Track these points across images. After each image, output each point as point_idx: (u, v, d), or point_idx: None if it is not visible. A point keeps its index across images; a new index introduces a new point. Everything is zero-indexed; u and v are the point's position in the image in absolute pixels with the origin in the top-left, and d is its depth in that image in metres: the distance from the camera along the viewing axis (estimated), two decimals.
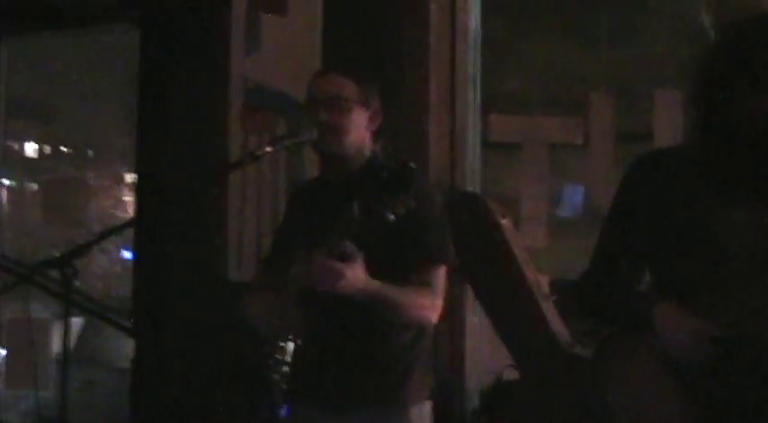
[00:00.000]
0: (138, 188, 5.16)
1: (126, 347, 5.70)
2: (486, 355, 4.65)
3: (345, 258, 2.82)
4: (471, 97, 4.67)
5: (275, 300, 3.07)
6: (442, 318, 3.63)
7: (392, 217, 2.76)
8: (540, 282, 4.50)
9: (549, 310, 4.44)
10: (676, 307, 2.57)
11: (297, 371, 3.07)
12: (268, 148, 3.07)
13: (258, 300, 3.20)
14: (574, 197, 5.65)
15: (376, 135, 3.23)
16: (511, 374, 4.47)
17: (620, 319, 2.70)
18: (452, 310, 4.47)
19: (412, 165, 2.82)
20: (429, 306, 3.03)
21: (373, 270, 2.88)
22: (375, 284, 2.88)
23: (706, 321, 2.53)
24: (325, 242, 2.82)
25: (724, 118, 2.55)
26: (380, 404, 3.08)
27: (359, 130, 3.15)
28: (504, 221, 4.46)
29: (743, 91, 2.53)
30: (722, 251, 2.57)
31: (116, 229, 3.16)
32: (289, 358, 3.08)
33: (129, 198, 7.82)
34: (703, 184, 2.59)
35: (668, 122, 4.71)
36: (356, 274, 2.83)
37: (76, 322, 6.76)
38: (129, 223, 3.46)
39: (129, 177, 7.60)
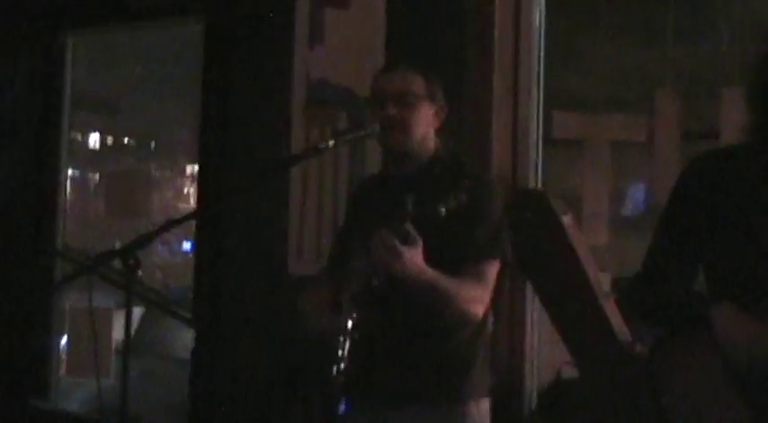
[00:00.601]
0: (200, 180, 5.19)
1: (185, 338, 5.75)
2: (545, 354, 4.62)
3: (406, 241, 2.81)
4: (534, 94, 4.64)
5: (329, 295, 3.07)
6: (501, 314, 3.63)
7: (443, 210, 2.75)
8: (602, 280, 4.46)
9: (610, 308, 4.40)
10: (735, 309, 2.53)
11: (354, 366, 3.07)
12: (330, 142, 3.07)
13: (312, 295, 3.20)
14: (636, 196, 5.60)
15: (440, 131, 3.22)
16: (569, 372, 4.44)
17: (676, 319, 2.65)
18: (512, 307, 4.47)
19: (462, 158, 2.80)
20: (477, 300, 3.02)
21: (426, 261, 2.87)
22: (430, 272, 2.87)
23: (766, 325, 2.48)
24: (384, 234, 2.81)
25: None
26: (438, 400, 3.07)
27: (425, 125, 3.15)
28: (566, 218, 4.43)
29: None
30: None
31: (177, 221, 3.17)
32: (347, 353, 3.09)
33: (190, 190, 7.90)
34: (763, 184, 2.55)
35: (735, 121, 4.64)
36: (414, 258, 2.82)
37: (137, 312, 6.83)
38: (190, 215, 3.47)
39: (191, 169, 7.66)
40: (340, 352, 3.02)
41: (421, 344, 3.06)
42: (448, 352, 3.08)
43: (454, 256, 2.98)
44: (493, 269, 3.06)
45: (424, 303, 2.95)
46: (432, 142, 3.18)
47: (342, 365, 3.04)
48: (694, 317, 2.57)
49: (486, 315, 3.13)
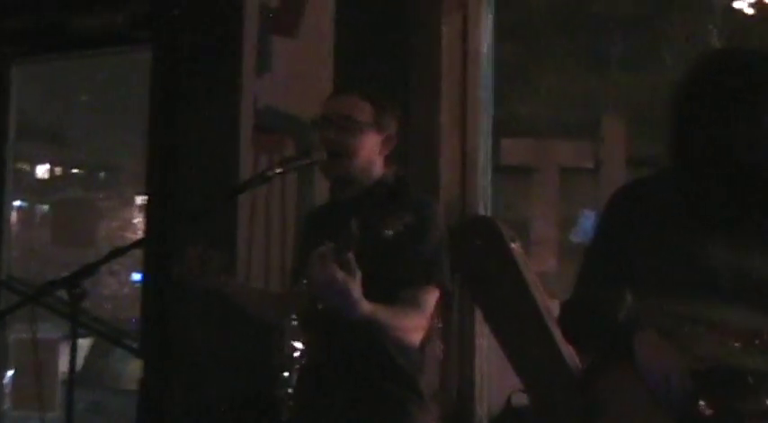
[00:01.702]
0: (148, 208, 5.15)
1: (133, 369, 5.69)
2: (495, 380, 4.62)
3: (345, 270, 2.78)
4: (482, 121, 4.65)
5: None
6: (451, 341, 3.60)
7: (389, 233, 2.73)
8: (551, 307, 4.47)
9: (559, 335, 4.41)
10: (655, 337, 2.56)
11: (300, 393, 3.05)
12: (278, 169, 3.04)
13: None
14: (585, 222, 5.63)
15: (389, 158, 3.20)
16: (520, 399, 4.44)
17: (603, 346, 2.68)
18: (462, 334, 4.46)
19: (407, 180, 2.79)
20: (414, 328, 2.97)
21: (364, 285, 2.83)
22: (365, 306, 2.82)
23: (685, 354, 2.52)
24: (326, 251, 2.78)
25: (696, 147, 2.56)
26: None
27: (369, 153, 3.11)
28: (514, 245, 4.44)
29: (712, 121, 2.55)
30: (704, 277, 2.56)
31: (124, 249, 3.13)
32: (295, 380, 3.07)
33: (139, 220, 7.82)
34: (683, 211, 2.59)
35: None
36: (350, 290, 2.78)
37: (85, 344, 6.75)
38: (137, 243, 3.43)
39: (140, 199, 7.60)
40: (286, 375, 3.00)
41: (365, 371, 3.03)
42: (392, 380, 3.05)
43: (393, 281, 2.95)
44: (431, 296, 3.02)
45: (362, 331, 2.92)
46: (378, 168, 3.15)
47: (287, 389, 3.02)
48: (620, 344, 2.60)
49: (425, 342, 3.10)
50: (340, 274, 2.72)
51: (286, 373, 3.06)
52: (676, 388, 2.52)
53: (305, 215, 3.86)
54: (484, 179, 4.64)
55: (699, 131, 2.59)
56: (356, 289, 2.75)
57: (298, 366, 3.05)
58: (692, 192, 2.60)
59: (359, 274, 2.74)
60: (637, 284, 2.64)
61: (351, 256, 2.73)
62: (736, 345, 2.53)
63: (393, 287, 2.94)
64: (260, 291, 4.19)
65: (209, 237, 4.65)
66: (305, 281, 2.98)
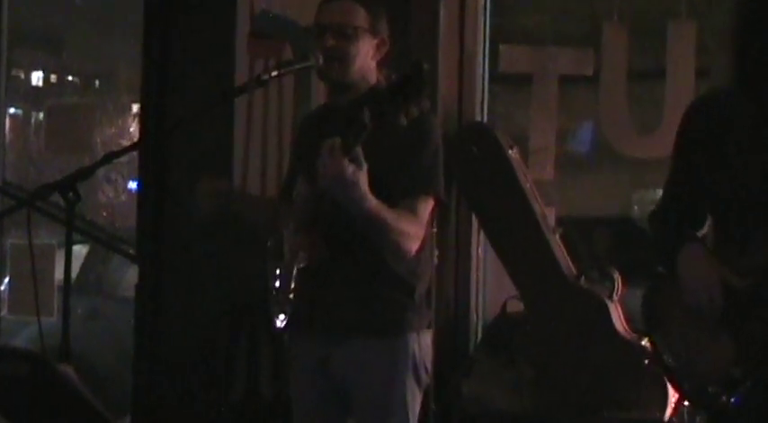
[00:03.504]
0: (143, 114, 5.12)
1: (131, 276, 5.71)
2: (491, 288, 4.64)
3: (355, 163, 2.77)
4: (481, 28, 4.61)
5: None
6: (447, 248, 3.60)
7: (404, 120, 2.71)
8: (547, 215, 4.48)
9: (555, 243, 4.42)
10: (700, 251, 2.61)
11: (298, 298, 3.07)
12: (273, 73, 3.04)
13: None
14: (583, 132, 5.61)
15: (381, 64, 3.20)
16: (515, 306, 4.47)
17: (662, 258, 2.75)
18: (458, 242, 4.47)
19: (425, 65, 2.75)
20: (411, 235, 3.00)
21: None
22: (371, 200, 2.85)
23: (727, 271, 2.55)
24: (335, 143, 2.76)
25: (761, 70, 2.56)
26: (380, 333, 3.07)
27: (365, 58, 3.12)
28: (511, 152, 4.43)
29: None
30: (760, 193, 2.58)
31: (119, 153, 3.12)
32: (292, 284, 3.08)
33: (134, 128, 7.80)
34: (747, 127, 2.60)
35: (681, 56, 4.66)
36: (358, 181, 2.78)
37: (82, 251, 6.77)
38: (130, 147, 3.42)
39: (136, 107, 7.57)
40: (281, 282, 3.01)
41: (361, 275, 3.05)
42: (389, 284, 3.07)
43: (390, 189, 2.96)
44: (427, 206, 3.04)
45: (364, 232, 2.93)
46: (373, 74, 3.16)
47: (287, 295, 3.03)
48: (670, 259, 2.67)
49: (424, 250, 3.11)
50: (349, 167, 2.72)
51: (279, 280, 3.07)
52: (709, 304, 2.55)
53: (299, 121, 3.85)
54: (481, 87, 4.61)
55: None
56: (363, 182, 2.76)
57: (295, 270, 3.06)
58: (755, 112, 2.60)
59: (365, 167, 2.75)
60: (709, 196, 2.71)
61: (359, 149, 2.73)
62: None
63: (390, 194, 2.95)
64: (256, 197, 4.20)
65: (205, 142, 4.66)
66: (302, 187, 2.98)
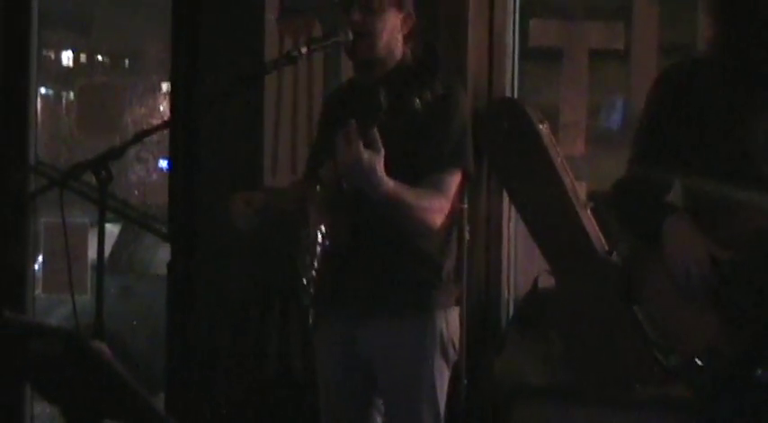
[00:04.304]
0: (173, 92, 5.13)
1: (163, 254, 5.73)
2: (522, 263, 4.63)
3: (369, 146, 2.77)
4: (511, 2, 4.58)
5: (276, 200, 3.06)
6: (478, 224, 3.58)
7: (418, 103, 2.71)
8: (578, 190, 4.46)
9: (586, 217, 4.40)
10: (685, 222, 2.55)
11: (323, 277, 3.07)
12: (303, 49, 3.04)
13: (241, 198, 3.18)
14: (615, 107, 5.58)
15: (408, 38, 3.18)
16: (547, 282, 4.46)
17: (642, 229, 2.68)
18: (489, 217, 4.46)
19: (436, 47, 2.76)
20: (436, 210, 2.99)
21: (388, 169, 2.84)
22: (388, 183, 2.84)
23: (712, 242, 2.51)
24: (351, 129, 2.76)
25: (746, 29, 2.52)
26: (407, 310, 3.07)
27: (390, 32, 3.11)
28: (542, 127, 4.41)
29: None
30: (744, 160, 2.54)
31: (149, 131, 3.14)
32: (317, 263, 3.08)
33: (165, 106, 7.80)
34: (733, 94, 2.56)
35: None
36: (374, 166, 2.78)
37: (114, 230, 6.81)
38: (161, 126, 3.44)
39: (166, 86, 7.58)
40: (309, 261, 3.02)
41: (388, 252, 3.05)
42: (416, 260, 3.06)
43: (416, 164, 2.95)
44: (454, 179, 3.04)
45: (386, 213, 2.92)
46: (399, 49, 3.15)
47: (312, 274, 3.03)
48: (656, 229, 2.59)
49: (451, 225, 3.11)
50: (365, 153, 2.72)
51: (307, 260, 3.07)
52: (697, 277, 2.52)
53: (324, 99, 3.84)
54: (511, 61, 4.59)
55: (748, 16, 2.54)
56: (380, 167, 2.76)
57: (319, 252, 3.05)
58: (739, 77, 2.56)
59: (382, 152, 2.75)
60: (683, 164, 2.64)
61: (375, 132, 2.73)
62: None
63: (413, 172, 2.94)
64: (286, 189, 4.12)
65: (235, 120, 4.67)
66: (329, 162, 2.99)
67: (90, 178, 2.88)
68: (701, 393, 2.67)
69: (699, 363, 2.55)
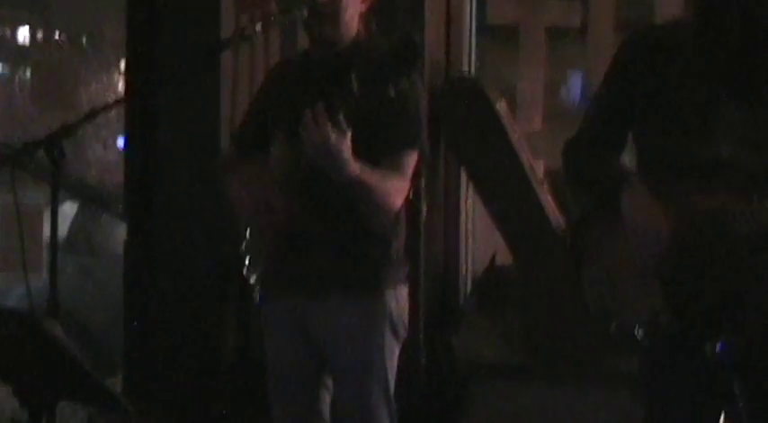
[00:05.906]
0: (129, 70, 5.08)
1: (120, 234, 5.69)
2: (480, 240, 4.64)
3: (338, 128, 2.75)
4: None
5: (258, 177, 3.03)
6: (436, 201, 3.57)
7: (392, 92, 2.70)
8: (536, 167, 4.48)
9: (544, 195, 4.42)
10: (644, 194, 2.56)
11: (274, 256, 3.05)
12: (257, 27, 3.01)
13: (240, 176, 3.14)
14: (572, 84, 5.60)
15: (364, 15, 3.15)
16: (504, 259, 4.48)
17: (596, 194, 2.69)
18: (447, 195, 4.47)
19: (416, 39, 2.74)
20: (396, 191, 2.98)
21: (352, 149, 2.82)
22: (354, 165, 2.83)
23: (670, 215, 2.51)
24: (318, 110, 2.75)
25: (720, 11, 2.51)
26: (357, 288, 3.05)
27: (351, 10, 3.07)
28: (499, 105, 4.41)
29: None
30: (708, 139, 2.54)
31: (104, 108, 3.09)
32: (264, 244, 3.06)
33: (121, 85, 7.74)
34: (699, 68, 2.56)
35: (669, 7, 4.63)
36: (341, 148, 2.77)
37: (70, 209, 6.76)
38: (116, 103, 3.40)
39: (123, 64, 7.52)
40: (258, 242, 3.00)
41: (339, 231, 3.03)
42: (366, 239, 3.05)
43: (373, 145, 2.94)
44: (411, 160, 3.02)
45: (343, 192, 2.91)
46: (355, 26, 3.11)
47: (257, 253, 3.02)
48: (611, 196, 2.60)
49: (400, 206, 3.10)
50: (333, 135, 2.71)
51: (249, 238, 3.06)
52: (655, 247, 2.53)
53: (269, 68, 3.78)
54: (468, 39, 4.59)
55: None
56: (347, 148, 2.75)
57: (267, 229, 3.04)
58: (706, 50, 2.55)
59: (348, 133, 2.74)
60: (642, 130, 2.64)
61: (342, 116, 2.72)
62: (726, 205, 2.52)
63: (373, 150, 2.93)
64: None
65: (192, 97, 4.63)
66: (279, 146, 2.95)
67: (42, 156, 2.84)
68: (643, 367, 2.69)
69: (638, 334, 2.57)
